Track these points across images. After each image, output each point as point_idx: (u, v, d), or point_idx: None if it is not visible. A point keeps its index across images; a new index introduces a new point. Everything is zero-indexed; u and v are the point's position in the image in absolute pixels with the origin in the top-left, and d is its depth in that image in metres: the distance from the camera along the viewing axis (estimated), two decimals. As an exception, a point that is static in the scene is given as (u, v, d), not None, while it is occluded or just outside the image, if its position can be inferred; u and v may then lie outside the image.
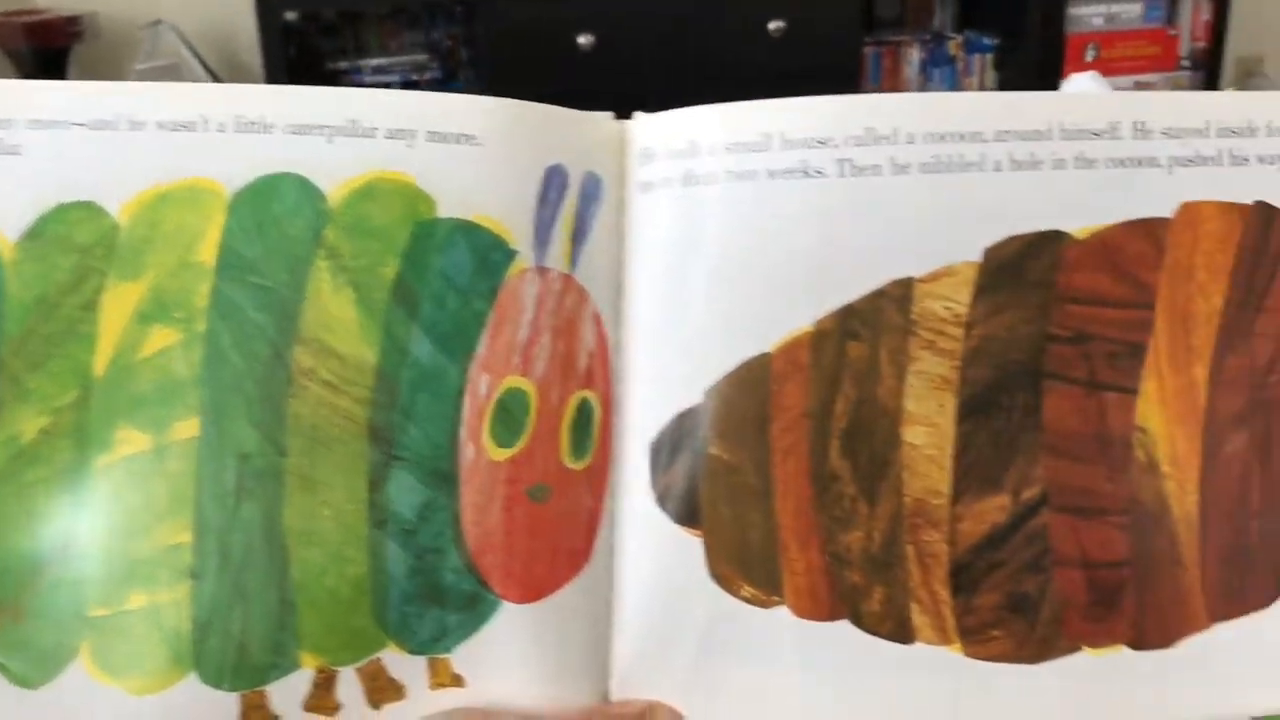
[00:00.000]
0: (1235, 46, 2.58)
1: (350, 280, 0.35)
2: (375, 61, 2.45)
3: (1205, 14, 2.40)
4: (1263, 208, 0.38)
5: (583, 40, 2.21)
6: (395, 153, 0.36)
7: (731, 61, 2.25)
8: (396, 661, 0.36)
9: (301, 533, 0.35)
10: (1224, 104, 0.38)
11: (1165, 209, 0.37)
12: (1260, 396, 0.38)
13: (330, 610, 0.35)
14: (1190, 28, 2.42)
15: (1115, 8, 2.39)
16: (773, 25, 2.23)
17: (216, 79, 2.31)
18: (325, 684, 0.36)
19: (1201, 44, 2.43)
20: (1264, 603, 0.39)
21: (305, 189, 0.35)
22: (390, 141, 0.36)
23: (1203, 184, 0.38)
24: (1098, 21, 2.38)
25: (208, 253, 0.35)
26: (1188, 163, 0.37)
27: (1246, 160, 0.38)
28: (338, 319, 0.35)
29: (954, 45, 2.48)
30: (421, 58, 2.46)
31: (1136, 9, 2.41)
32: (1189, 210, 0.37)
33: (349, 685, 0.36)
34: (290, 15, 2.27)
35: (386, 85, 2.42)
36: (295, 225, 0.35)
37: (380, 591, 0.36)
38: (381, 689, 0.36)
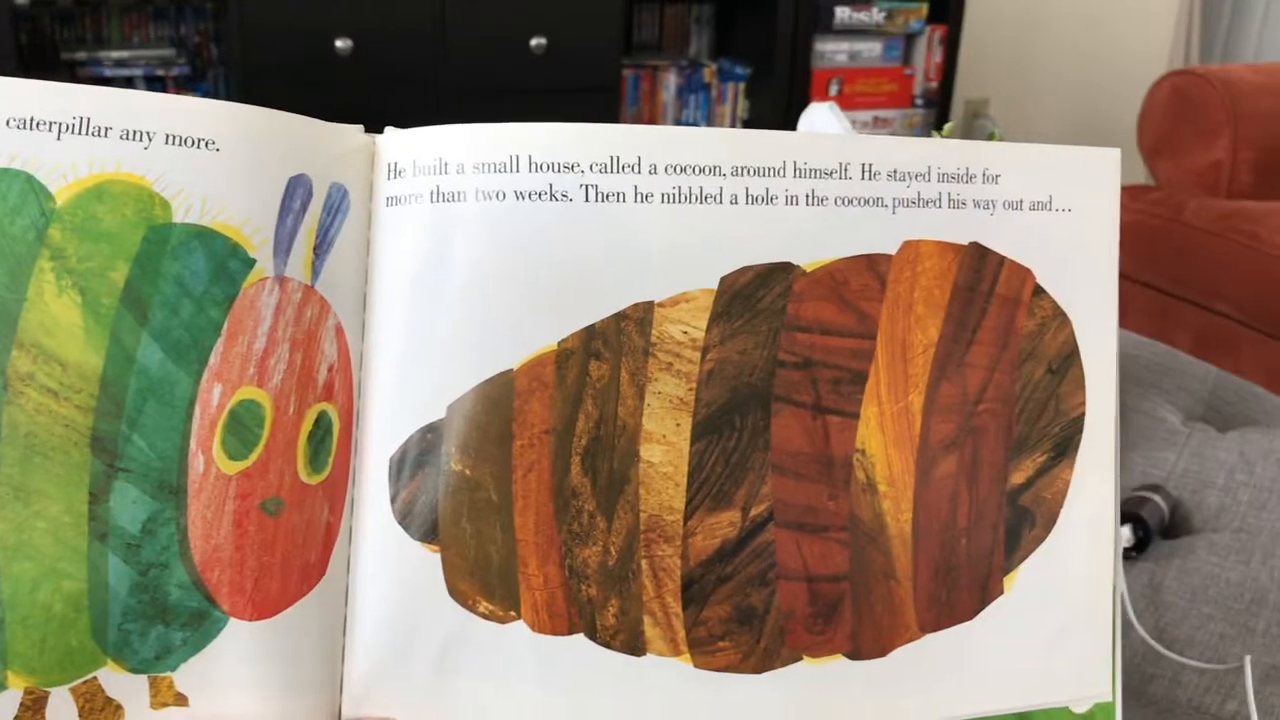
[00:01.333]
0: (964, 89, 2.81)
1: (76, 283, 0.34)
2: (117, 54, 2.27)
3: (938, 57, 2.59)
4: (976, 248, 0.41)
5: (340, 45, 2.15)
6: (130, 154, 0.35)
7: (494, 76, 2.25)
8: (115, 681, 0.35)
9: (13, 546, 0.33)
10: (945, 151, 0.41)
11: (889, 246, 0.40)
12: (970, 424, 0.41)
13: (43, 628, 0.34)
14: (924, 69, 2.62)
15: (858, 46, 2.58)
16: (534, 42, 2.25)
17: (-65, 66, 2.13)
18: (35, 706, 0.34)
19: (934, 84, 2.62)
20: (969, 614, 0.42)
21: (30, 186, 0.34)
22: (125, 143, 0.35)
23: (923, 224, 0.40)
24: (841, 58, 2.56)
25: (-84, 249, 0.33)
26: (910, 204, 0.40)
27: (964, 204, 0.41)
28: (61, 323, 0.34)
29: (709, 72, 2.59)
30: (168, 53, 2.30)
31: (876, 48, 2.60)
32: (909, 248, 0.40)
33: (62, 706, 0.34)
34: (21, -1, 2.11)
35: (129, 80, 2.26)
36: (17, 224, 0.34)
37: (99, 608, 0.34)
38: (98, 710, 0.35)
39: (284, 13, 2.13)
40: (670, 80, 2.57)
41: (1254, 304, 1.76)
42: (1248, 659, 0.60)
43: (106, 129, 0.34)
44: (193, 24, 2.36)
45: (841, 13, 2.49)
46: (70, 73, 2.24)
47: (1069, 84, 3.04)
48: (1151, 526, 0.75)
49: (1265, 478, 0.81)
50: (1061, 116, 3.03)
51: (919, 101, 2.64)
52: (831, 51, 2.53)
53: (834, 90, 2.53)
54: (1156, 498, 0.77)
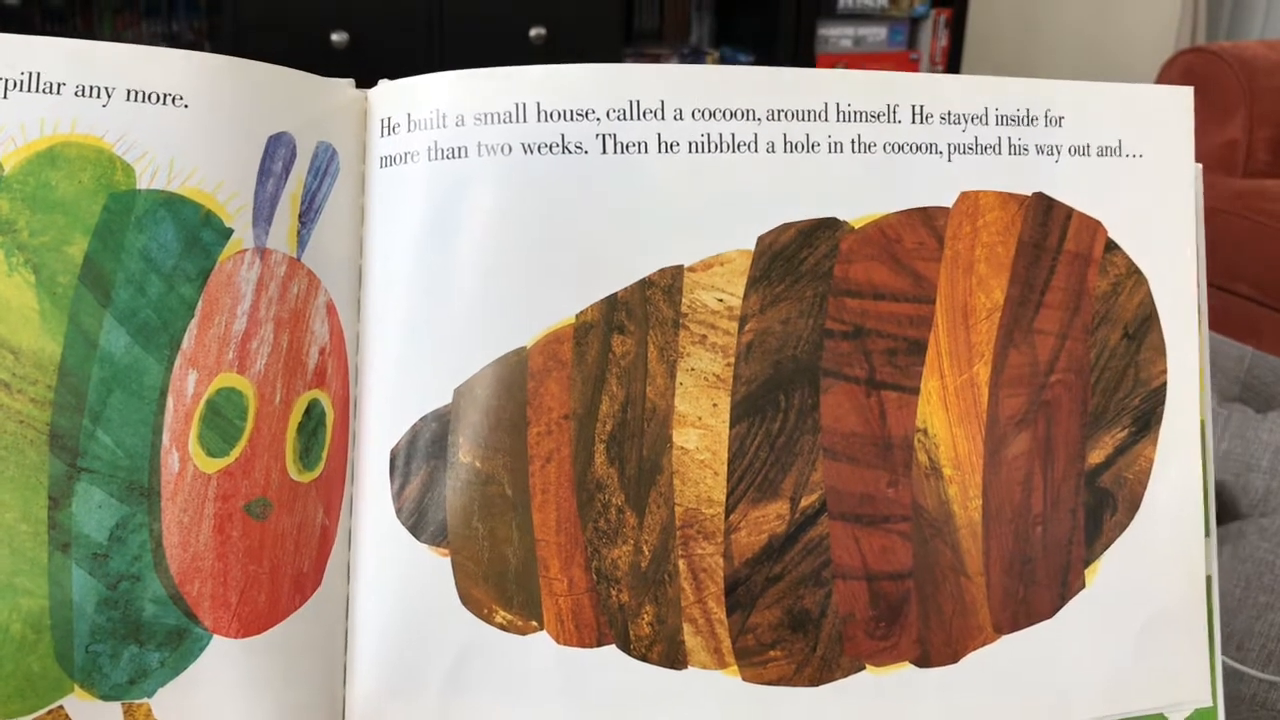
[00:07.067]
0: (971, 73, 2.77)
1: (29, 260, 0.30)
2: (109, 53, 2.26)
3: (943, 41, 2.55)
4: (1041, 199, 0.37)
5: (336, 38, 2.12)
6: (86, 112, 0.31)
7: (493, 66, 2.22)
8: (84, 709, 0.31)
9: None
10: (1004, 91, 0.36)
11: (944, 198, 0.36)
12: (1041, 397, 0.37)
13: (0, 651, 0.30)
14: (930, 53, 2.59)
15: (862, 30, 2.53)
16: (534, 32, 2.21)
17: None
18: (-8, 741, 0.30)
19: (940, 69, 2.58)
20: (1048, 612, 0.37)
21: None
22: (80, 99, 0.31)
23: (982, 173, 0.36)
24: (846, 43, 2.53)
25: None
26: (967, 150, 0.36)
27: (1026, 149, 0.37)
28: (13, 305, 0.30)
29: (711, 59, 2.55)
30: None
31: (881, 33, 2.56)
32: (968, 199, 0.36)
33: (24, 741, 0.30)
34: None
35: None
36: None
37: (64, 627, 0.30)
38: (65, 744, 0.30)
39: (279, 7, 2.10)
40: (671, 68, 2.55)
41: (1274, 284, 1.70)
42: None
43: (59, 84, 0.30)
44: (185, 21, 2.32)
45: (844, -4, 2.47)
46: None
47: (1075, 66, 3.00)
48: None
49: (1315, 459, 0.76)
50: (1069, 100, 3.00)
51: (925, 87, 2.61)
52: (835, 36, 2.49)
53: (839, 75, 2.51)
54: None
